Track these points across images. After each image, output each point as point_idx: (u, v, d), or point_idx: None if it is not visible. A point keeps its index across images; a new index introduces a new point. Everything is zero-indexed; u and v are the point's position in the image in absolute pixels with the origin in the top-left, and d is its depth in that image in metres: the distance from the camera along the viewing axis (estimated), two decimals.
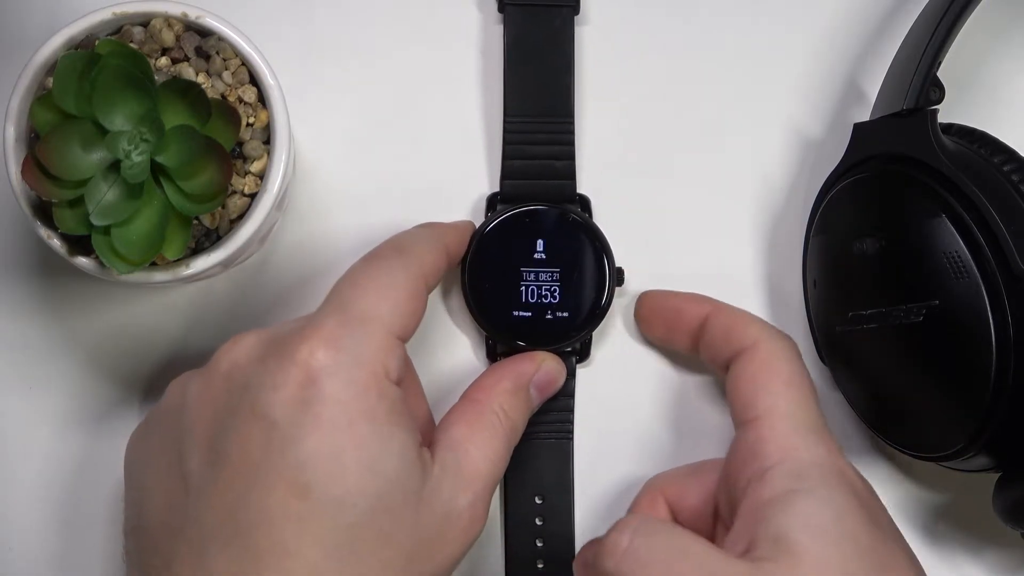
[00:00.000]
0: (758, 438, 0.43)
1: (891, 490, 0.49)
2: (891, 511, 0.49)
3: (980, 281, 0.41)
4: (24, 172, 0.41)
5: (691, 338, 0.48)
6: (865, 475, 0.49)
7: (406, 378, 0.42)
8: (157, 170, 0.41)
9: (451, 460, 0.42)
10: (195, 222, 0.43)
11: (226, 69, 0.44)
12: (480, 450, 0.43)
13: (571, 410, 0.49)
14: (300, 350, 0.39)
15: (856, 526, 0.40)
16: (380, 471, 0.39)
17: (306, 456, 0.39)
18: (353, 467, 0.39)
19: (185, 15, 0.44)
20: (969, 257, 0.41)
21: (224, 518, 0.39)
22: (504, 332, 0.48)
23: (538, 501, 0.48)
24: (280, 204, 0.45)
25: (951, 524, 0.49)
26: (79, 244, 0.43)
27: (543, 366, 0.47)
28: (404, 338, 0.42)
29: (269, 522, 0.38)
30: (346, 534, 0.39)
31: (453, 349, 0.50)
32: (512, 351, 0.48)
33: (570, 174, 0.49)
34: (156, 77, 0.43)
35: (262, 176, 0.44)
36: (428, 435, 0.43)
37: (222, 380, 0.41)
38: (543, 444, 0.48)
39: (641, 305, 0.50)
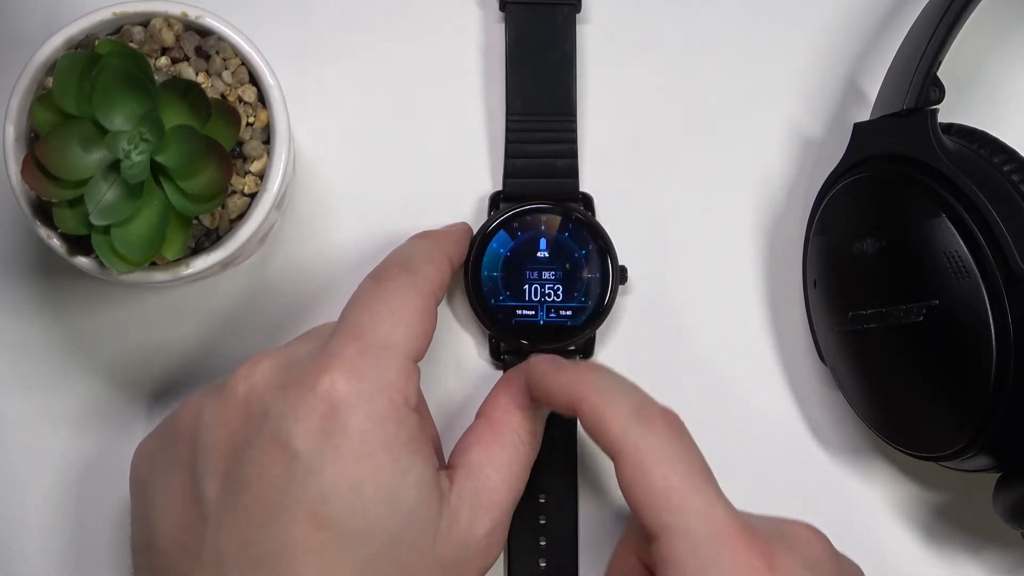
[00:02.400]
0: (658, 559, 0.39)
1: (891, 490, 0.49)
2: (891, 511, 0.49)
3: (980, 281, 0.41)
4: (24, 172, 0.41)
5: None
6: (865, 475, 0.49)
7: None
8: (157, 170, 0.41)
9: (470, 487, 0.42)
10: (195, 222, 0.43)
11: (226, 69, 0.44)
12: (499, 473, 0.43)
13: None
14: (321, 380, 0.39)
15: None
16: (399, 503, 0.39)
17: (327, 488, 0.39)
18: (372, 500, 0.39)
19: (185, 15, 0.44)
20: (969, 257, 0.41)
21: (243, 547, 0.39)
22: (508, 331, 0.48)
23: (541, 500, 0.48)
24: (280, 204, 0.45)
25: (951, 524, 0.49)
26: (79, 244, 0.43)
27: None
28: (418, 359, 0.42)
29: (289, 553, 0.38)
30: (365, 566, 0.39)
31: (456, 348, 0.50)
32: (515, 350, 0.49)
33: (573, 172, 0.49)
34: (156, 77, 0.43)
35: (262, 176, 0.44)
36: (437, 452, 0.43)
37: (239, 406, 0.41)
38: (546, 442, 0.48)
39: (528, 374, 0.45)
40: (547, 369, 0.44)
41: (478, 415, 0.46)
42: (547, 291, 0.48)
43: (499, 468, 0.43)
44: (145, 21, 0.44)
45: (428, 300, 0.43)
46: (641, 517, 0.39)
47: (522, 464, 0.44)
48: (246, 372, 0.41)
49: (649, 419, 0.40)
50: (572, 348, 0.49)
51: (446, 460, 0.44)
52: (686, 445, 0.40)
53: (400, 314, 0.42)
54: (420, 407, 0.42)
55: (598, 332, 0.49)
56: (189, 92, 0.41)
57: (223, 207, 0.44)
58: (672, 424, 0.41)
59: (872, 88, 0.48)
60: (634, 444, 0.40)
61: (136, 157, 0.41)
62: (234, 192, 0.44)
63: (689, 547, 0.38)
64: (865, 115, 0.48)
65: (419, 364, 0.42)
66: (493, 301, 0.48)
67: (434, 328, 0.43)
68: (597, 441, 0.41)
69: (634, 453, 0.40)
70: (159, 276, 0.43)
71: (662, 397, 0.49)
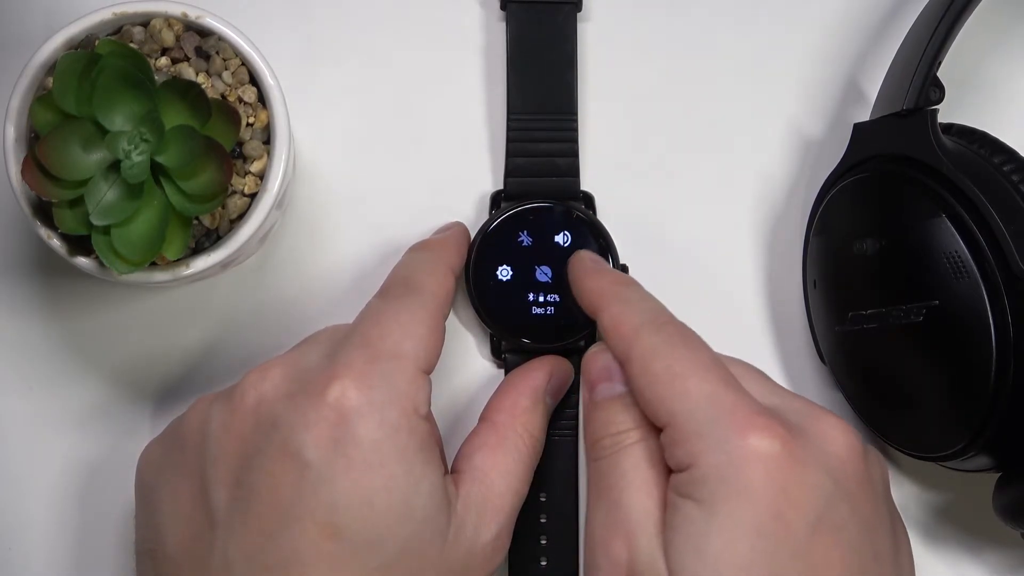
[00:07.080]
0: (666, 446, 0.39)
1: (891, 490, 0.49)
2: None
3: (980, 281, 0.41)
4: (24, 172, 0.41)
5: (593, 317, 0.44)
6: None
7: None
8: (157, 170, 0.41)
9: (476, 494, 0.42)
10: (195, 222, 0.43)
11: (226, 69, 0.44)
12: (504, 479, 0.43)
13: (575, 407, 0.49)
14: (332, 389, 0.40)
15: (749, 549, 0.37)
16: (410, 513, 0.40)
17: (338, 497, 0.39)
18: (384, 509, 0.39)
19: (185, 15, 0.44)
20: (969, 257, 0.41)
21: (252, 555, 0.39)
22: (509, 330, 0.48)
23: (542, 498, 0.48)
24: (280, 204, 0.45)
25: (951, 524, 0.49)
26: (79, 244, 0.43)
27: (554, 373, 0.47)
28: (428, 371, 0.42)
29: (300, 562, 0.38)
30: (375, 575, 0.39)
31: (457, 346, 0.50)
32: (517, 348, 0.49)
33: (574, 171, 0.49)
34: (156, 77, 0.43)
35: (262, 176, 0.44)
36: (442, 456, 0.43)
37: (249, 414, 0.41)
38: (547, 441, 0.48)
39: (569, 264, 0.46)
40: (585, 271, 0.45)
41: (481, 419, 0.46)
42: (548, 289, 0.48)
43: (503, 473, 0.43)
44: (145, 21, 0.44)
45: (436, 316, 0.43)
46: (650, 413, 0.40)
47: (526, 468, 0.44)
48: (255, 380, 0.41)
49: (661, 325, 0.41)
50: (573, 347, 0.49)
51: (449, 462, 0.44)
52: (696, 346, 0.41)
53: (409, 328, 0.42)
54: (429, 415, 0.42)
55: None
56: (189, 92, 0.41)
57: (223, 207, 0.44)
58: (684, 332, 0.41)
59: (872, 88, 0.48)
60: (643, 344, 0.40)
61: (136, 157, 0.41)
62: (234, 192, 0.44)
63: (695, 429, 0.38)
64: (865, 115, 0.48)
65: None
66: (494, 299, 0.48)
67: (443, 342, 0.43)
68: (612, 349, 0.42)
69: (641, 352, 0.40)
70: (159, 276, 0.43)
71: None
